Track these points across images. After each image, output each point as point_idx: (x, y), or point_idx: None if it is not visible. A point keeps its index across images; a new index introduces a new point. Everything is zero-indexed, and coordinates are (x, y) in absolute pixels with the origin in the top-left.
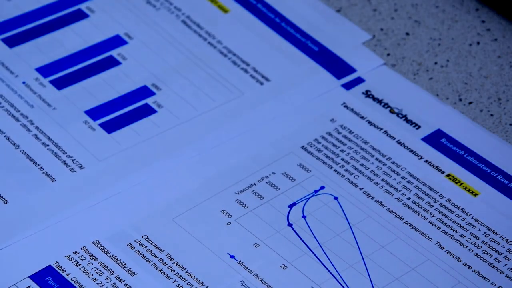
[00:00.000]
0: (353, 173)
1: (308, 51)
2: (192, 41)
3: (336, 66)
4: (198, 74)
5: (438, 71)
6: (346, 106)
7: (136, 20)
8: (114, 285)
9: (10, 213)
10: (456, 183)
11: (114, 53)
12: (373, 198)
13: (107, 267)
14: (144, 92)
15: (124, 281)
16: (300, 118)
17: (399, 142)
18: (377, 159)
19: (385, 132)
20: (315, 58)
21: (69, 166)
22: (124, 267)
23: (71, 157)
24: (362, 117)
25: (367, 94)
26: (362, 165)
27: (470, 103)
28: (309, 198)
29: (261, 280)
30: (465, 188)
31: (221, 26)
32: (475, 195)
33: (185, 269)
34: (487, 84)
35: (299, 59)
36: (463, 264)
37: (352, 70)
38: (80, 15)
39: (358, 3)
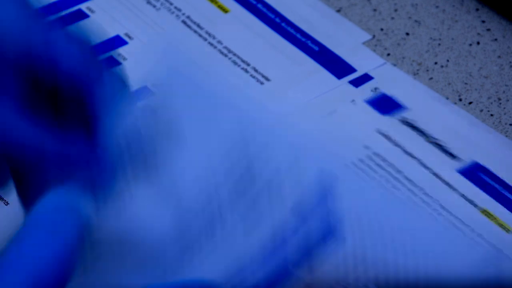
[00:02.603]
0: None
1: (308, 51)
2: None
3: (337, 66)
4: None
5: (438, 71)
6: (355, 105)
7: (136, 20)
8: None
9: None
10: (491, 219)
11: (114, 53)
12: None
13: None
14: (145, 93)
15: None
16: (308, 116)
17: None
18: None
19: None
20: (316, 58)
21: None
22: None
23: None
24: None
25: (376, 91)
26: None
27: (470, 103)
28: None
29: None
30: (499, 224)
31: (221, 26)
32: (508, 231)
33: None
34: (487, 84)
35: (299, 59)
36: None
37: (352, 70)
38: (80, 15)
39: (358, 3)
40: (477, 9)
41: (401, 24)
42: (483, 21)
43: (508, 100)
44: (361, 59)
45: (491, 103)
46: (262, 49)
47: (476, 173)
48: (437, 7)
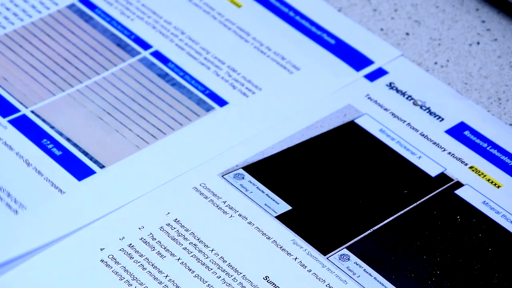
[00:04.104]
0: None
1: (325, 44)
2: None
3: (354, 58)
4: None
5: (438, 71)
6: (369, 98)
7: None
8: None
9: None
10: (480, 175)
11: None
12: None
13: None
14: None
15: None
16: (324, 109)
17: (422, 135)
18: None
19: (409, 124)
20: (333, 51)
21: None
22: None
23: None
24: (385, 109)
25: (391, 86)
26: None
27: None
28: None
29: None
30: (488, 180)
31: (235, 20)
32: (498, 187)
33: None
34: (487, 84)
35: (316, 51)
36: None
37: (369, 62)
38: None
39: (358, 3)
40: (477, 9)
41: (401, 24)
42: (483, 21)
43: (508, 100)
44: (379, 52)
45: (491, 103)
46: (279, 42)
47: (462, 133)
48: (437, 7)
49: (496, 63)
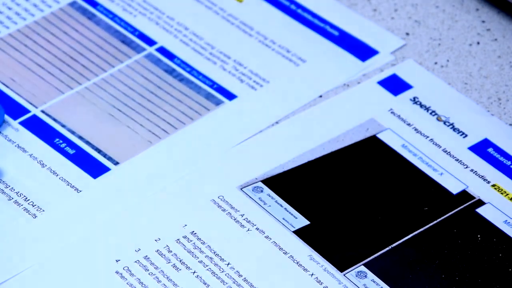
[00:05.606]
0: None
1: (328, 35)
2: None
3: (359, 49)
4: None
5: (438, 71)
6: (393, 112)
7: None
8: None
9: None
10: (502, 193)
11: None
12: None
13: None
14: None
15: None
16: (346, 123)
17: (445, 151)
18: None
19: (431, 140)
20: (337, 42)
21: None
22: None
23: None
24: (408, 124)
25: (415, 100)
26: None
27: None
28: None
29: None
30: (511, 199)
31: (238, 15)
32: None
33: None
34: (487, 84)
35: (321, 43)
36: None
37: (374, 51)
38: None
39: (358, 3)
40: (477, 9)
41: (401, 24)
42: (483, 21)
43: (508, 100)
44: (382, 41)
45: (491, 103)
46: (283, 35)
47: (486, 150)
48: (437, 7)
49: (496, 63)
